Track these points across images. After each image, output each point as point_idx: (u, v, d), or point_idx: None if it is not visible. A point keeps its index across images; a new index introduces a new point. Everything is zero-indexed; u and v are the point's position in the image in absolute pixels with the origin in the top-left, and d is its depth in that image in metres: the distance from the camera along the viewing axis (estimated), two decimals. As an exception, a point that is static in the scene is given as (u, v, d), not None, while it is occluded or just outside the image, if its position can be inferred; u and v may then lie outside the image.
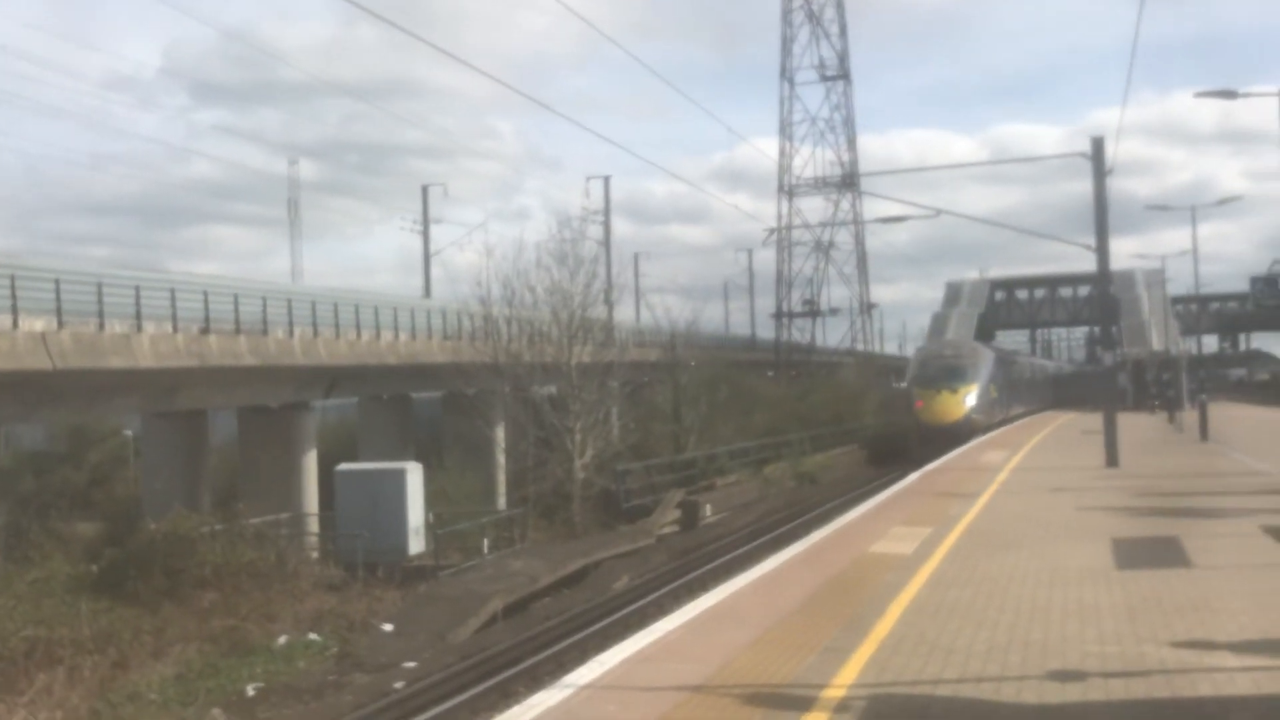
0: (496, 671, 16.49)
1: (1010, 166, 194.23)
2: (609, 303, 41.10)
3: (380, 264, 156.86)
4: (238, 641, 18.90)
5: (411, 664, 17.67)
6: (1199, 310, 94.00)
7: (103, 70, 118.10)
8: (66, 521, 32.68)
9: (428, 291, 52.27)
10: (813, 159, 77.27)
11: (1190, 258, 50.51)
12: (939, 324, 79.26)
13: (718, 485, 36.90)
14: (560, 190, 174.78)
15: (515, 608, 21.80)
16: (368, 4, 13.78)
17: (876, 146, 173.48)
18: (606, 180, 60.85)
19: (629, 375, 39.41)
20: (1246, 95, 26.74)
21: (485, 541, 27.02)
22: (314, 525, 29.17)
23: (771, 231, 77.31)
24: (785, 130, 77.30)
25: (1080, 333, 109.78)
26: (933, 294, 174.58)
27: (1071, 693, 7.93)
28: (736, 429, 44.69)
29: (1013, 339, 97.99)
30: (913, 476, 27.97)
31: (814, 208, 78.35)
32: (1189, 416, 43.75)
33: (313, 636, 19.50)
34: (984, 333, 79.84)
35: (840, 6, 76.24)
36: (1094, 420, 34.11)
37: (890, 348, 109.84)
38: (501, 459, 36.42)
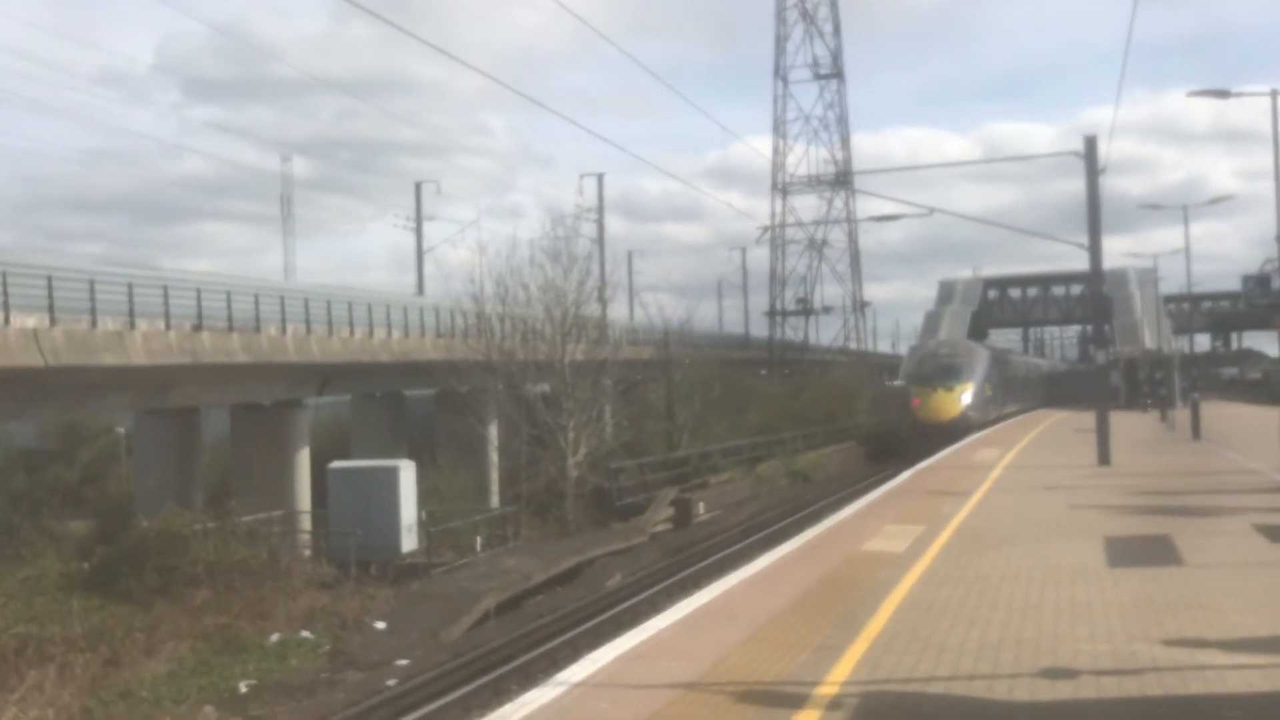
0: (489, 669, 16.48)
1: (1003, 165, 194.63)
2: (602, 300, 41.09)
3: (373, 261, 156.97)
4: (230, 639, 18.87)
5: (404, 662, 17.65)
6: (1191, 309, 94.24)
7: (95, 66, 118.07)
8: (58, 519, 32.68)
9: (421, 289, 52.25)
10: (806, 157, 77.45)
11: (1183, 257, 50.80)
12: (932, 322, 79.39)
13: (711, 483, 36.90)
14: (553, 187, 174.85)
15: (508, 605, 21.79)
16: (361, 0, 13.75)
17: (870, 145, 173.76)
18: (600, 178, 60.99)
19: (622, 373, 39.41)
20: (1239, 95, 26.85)
21: (478, 539, 27.01)
22: (307, 523, 29.12)
23: (765, 229, 77.44)
24: (779, 128, 77.47)
25: (1073, 331, 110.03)
26: (926, 292, 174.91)
27: (1063, 691, 7.95)
28: (730, 427, 44.72)
29: (1006, 337, 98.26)
30: (905, 475, 28.02)
31: (807, 206, 78.45)
32: (1181, 415, 43.84)
33: (305, 634, 19.47)
34: (977, 331, 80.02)
35: (834, 5, 76.44)
36: (1086, 419, 34.16)
37: (883, 346, 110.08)
38: (494, 457, 36.42)
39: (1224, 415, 47.96)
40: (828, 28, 76.60)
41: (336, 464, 27.66)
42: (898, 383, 65.06)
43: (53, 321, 23.32)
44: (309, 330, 32.07)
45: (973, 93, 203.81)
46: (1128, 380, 65.45)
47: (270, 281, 35.96)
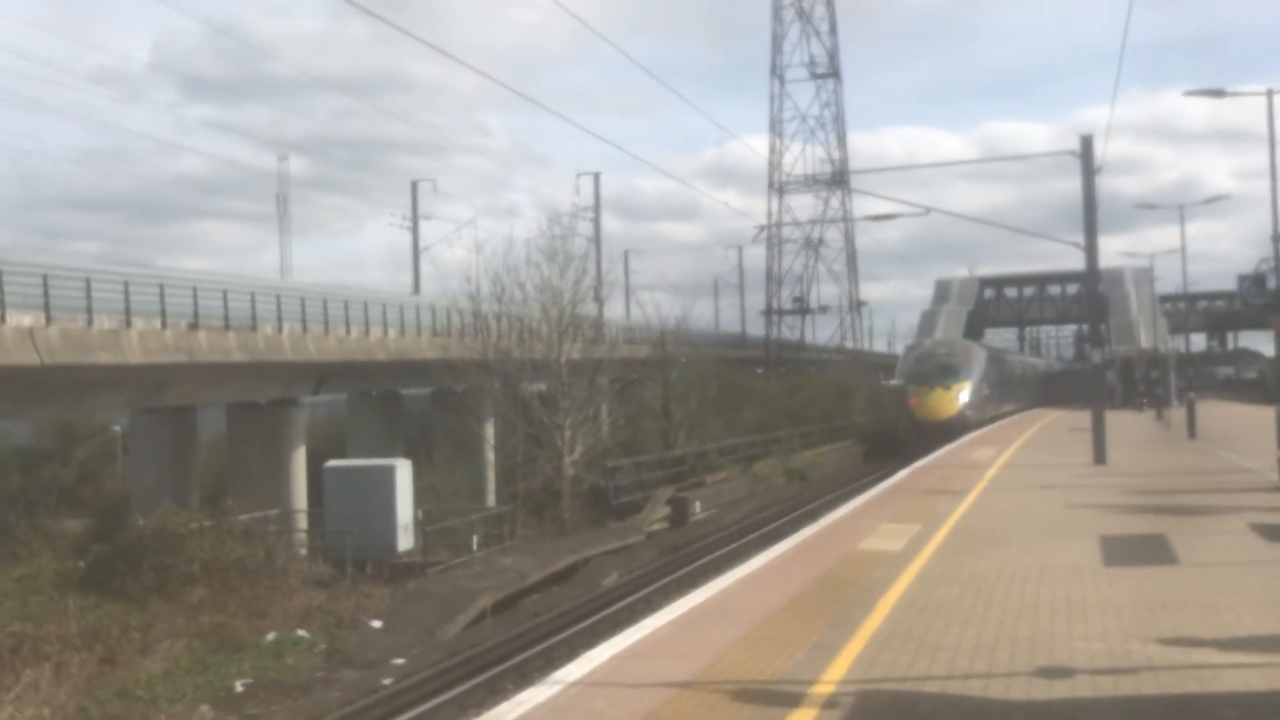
0: (485, 668, 16.48)
1: (1000, 164, 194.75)
2: (599, 300, 41.06)
3: (369, 260, 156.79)
4: (226, 638, 18.86)
5: (400, 661, 17.65)
6: (1187, 308, 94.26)
7: (91, 65, 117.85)
8: (54, 518, 32.67)
9: (417, 288, 52.21)
10: (803, 156, 77.48)
11: (1179, 256, 50.93)
12: (928, 322, 79.43)
13: (707, 482, 36.92)
14: (550, 187, 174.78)
15: (504, 604, 21.79)
16: (357, -1, 13.73)
17: (866, 144, 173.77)
18: (596, 177, 60.98)
19: (619, 372, 39.41)
20: (1235, 94, 26.85)
21: (474, 538, 27.01)
22: (303, 522, 29.11)
23: (761, 229, 77.44)
24: (775, 127, 77.46)
25: (1069, 330, 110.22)
26: (922, 291, 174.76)
27: (1059, 689, 7.95)
28: (726, 426, 44.75)
29: (1001, 337, 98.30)
30: (902, 473, 28.04)
31: (804, 205, 78.48)
32: (1177, 414, 43.91)
33: (301, 633, 19.45)
34: (973, 330, 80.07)
35: (830, 4, 76.46)
36: (1082, 418, 34.21)
37: (880, 345, 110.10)
38: (491, 456, 36.41)
39: (1220, 415, 48.03)
40: (824, 27, 76.72)
41: (332, 463, 27.64)
42: (893, 382, 65.25)
43: (49, 320, 23.29)
44: (305, 329, 32.05)
45: (969, 92, 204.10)
46: (1124, 379, 65.56)
47: (266, 280, 35.93)
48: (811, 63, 76.60)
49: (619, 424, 37.96)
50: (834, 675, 8.50)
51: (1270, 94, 25.64)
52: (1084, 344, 75.71)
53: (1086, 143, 28.92)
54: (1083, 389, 49.23)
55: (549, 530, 31.04)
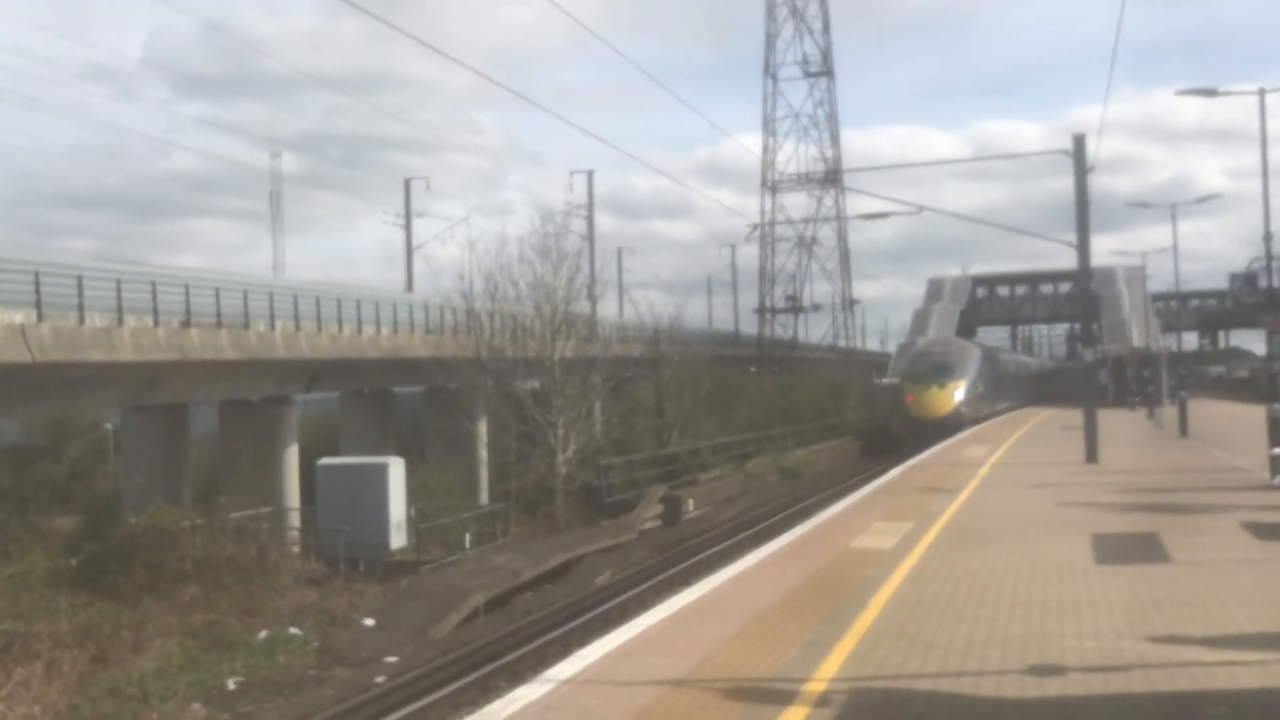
0: (477, 666, 16.48)
1: (992, 163, 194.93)
2: (592, 297, 41.00)
3: (362, 258, 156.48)
4: (218, 636, 18.83)
5: (393, 659, 17.64)
6: (1179, 307, 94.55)
7: (82, 61, 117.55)
8: (46, 515, 32.56)
9: (410, 285, 52.17)
10: (796, 155, 77.49)
11: (1171, 255, 51.09)
12: (921, 320, 79.55)
13: (700, 480, 36.93)
14: (543, 184, 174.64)
15: (497, 602, 21.79)
16: (350, -4, 13.71)
17: (859, 143, 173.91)
18: (590, 175, 60.90)
19: (612, 370, 39.40)
20: (1226, 93, 26.92)
21: (467, 536, 26.97)
22: (295, 520, 29.08)
23: (755, 227, 77.41)
24: (769, 126, 77.45)
25: (1061, 329, 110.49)
26: (915, 290, 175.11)
27: (1050, 687, 7.97)
28: (719, 424, 44.75)
29: (994, 335, 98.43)
30: (894, 471, 28.08)
31: (797, 203, 78.50)
32: (1168, 413, 44.02)
33: (294, 631, 19.43)
34: (965, 329, 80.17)
35: (823, 3, 76.37)
36: (1074, 416, 34.27)
37: (872, 344, 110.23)
38: (484, 454, 36.34)
39: (1211, 413, 48.15)
40: (817, 25, 76.69)
41: (325, 461, 27.61)
42: (886, 380, 65.45)
43: (40, 317, 23.23)
44: (298, 327, 32.00)
45: (962, 91, 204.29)
46: (1115, 378, 65.70)
47: (259, 278, 35.87)
48: (805, 61, 76.64)
49: (612, 422, 37.94)
50: (826, 673, 8.51)
51: (1262, 93, 25.73)
52: (1076, 343, 75.97)
53: (1079, 142, 28.97)
54: (1075, 387, 49.44)
55: (542, 528, 31.01)
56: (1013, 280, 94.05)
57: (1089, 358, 32.76)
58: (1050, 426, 45.18)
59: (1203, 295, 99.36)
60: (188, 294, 27.79)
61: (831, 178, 75.45)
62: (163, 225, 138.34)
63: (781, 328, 79.62)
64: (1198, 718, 7.26)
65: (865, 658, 8.95)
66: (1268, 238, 24.33)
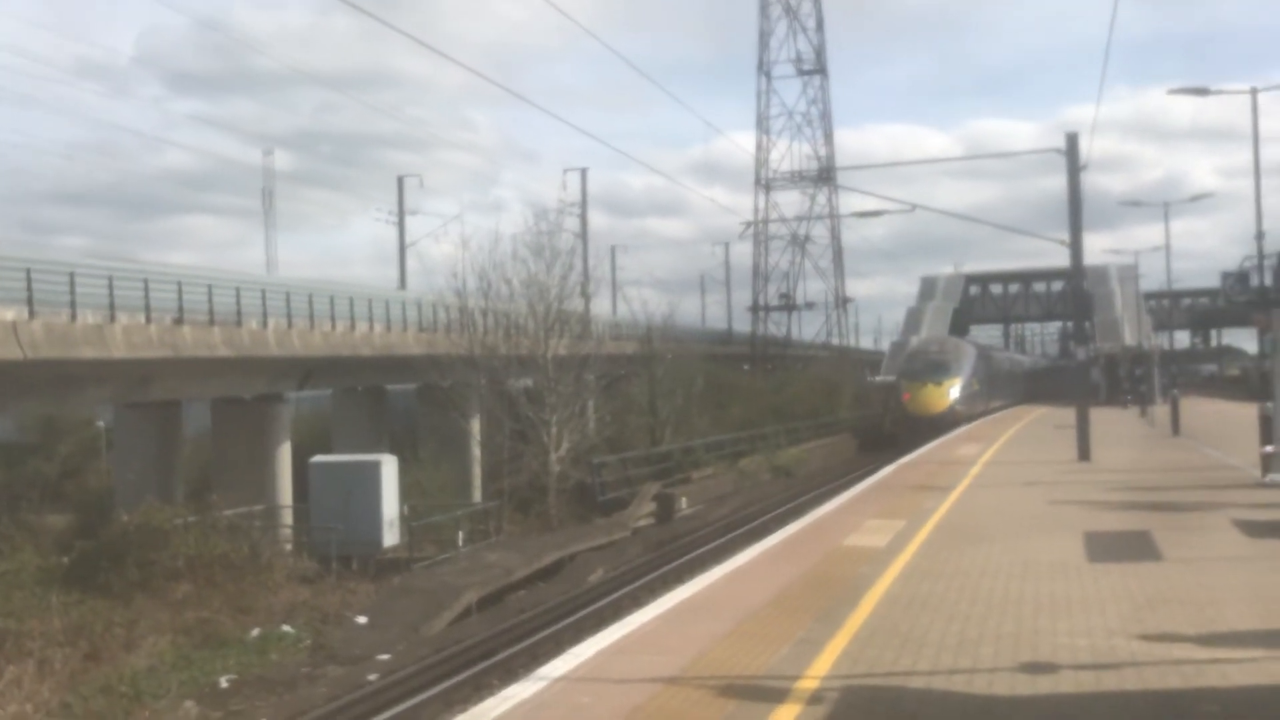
0: (470, 664, 16.47)
1: (985, 162, 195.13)
2: (585, 295, 40.99)
3: (355, 255, 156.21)
4: (211, 634, 18.80)
5: (385, 656, 17.63)
6: (1171, 306, 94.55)
7: (75, 58, 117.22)
8: (37, 513, 32.45)
9: (403, 283, 52.08)
10: (789, 153, 77.47)
11: (1163, 253, 51.06)
12: (914, 318, 79.63)
13: (693, 478, 36.96)
14: (537, 182, 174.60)
15: (490, 600, 21.78)
16: (343, -7, 13.69)
17: (853, 141, 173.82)
18: (583, 172, 60.86)
19: (605, 368, 39.38)
20: (1219, 92, 27.02)
21: (460, 534, 26.96)
22: (288, 517, 29.01)
23: (748, 225, 77.44)
24: (762, 124, 77.45)
25: (1054, 328, 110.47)
26: (908, 288, 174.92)
27: (1042, 685, 7.99)
28: (712, 422, 44.79)
29: (987, 333, 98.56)
30: (887, 469, 28.12)
31: (790, 202, 78.51)
32: (1161, 411, 44.11)
33: (286, 629, 19.40)
34: (958, 327, 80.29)
35: (817, 1, 76.42)
36: (1067, 415, 34.33)
37: (866, 342, 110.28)
38: (477, 451, 36.34)
39: (1203, 411, 48.27)
40: (811, 23, 76.70)
41: (318, 458, 27.57)
42: (880, 378, 65.62)
43: (32, 314, 23.15)
44: (290, 324, 31.95)
45: (955, 90, 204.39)
46: (1108, 376, 65.87)
47: (252, 275, 35.80)
48: (798, 59, 76.64)
49: (605, 420, 37.96)
50: (819, 670, 8.52)
51: (1254, 92, 25.82)
52: (1069, 341, 75.96)
53: (1072, 140, 29.02)
54: (1067, 386, 49.60)
55: (535, 526, 31.01)
56: (1006, 279, 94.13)
57: (1081, 356, 32.86)
58: (1043, 425, 45.27)
59: (1195, 294, 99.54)
60: (180, 291, 27.73)
61: (825, 176, 75.48)
62: (155, 222, 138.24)
63: (775, 326, 79.73)
64: (1189, 715, 7.28)
65: (857, 656, 8.96)
66: (1260, 236, 24.42)
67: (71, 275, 24.37)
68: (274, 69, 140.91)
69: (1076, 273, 31.16)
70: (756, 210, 77.45)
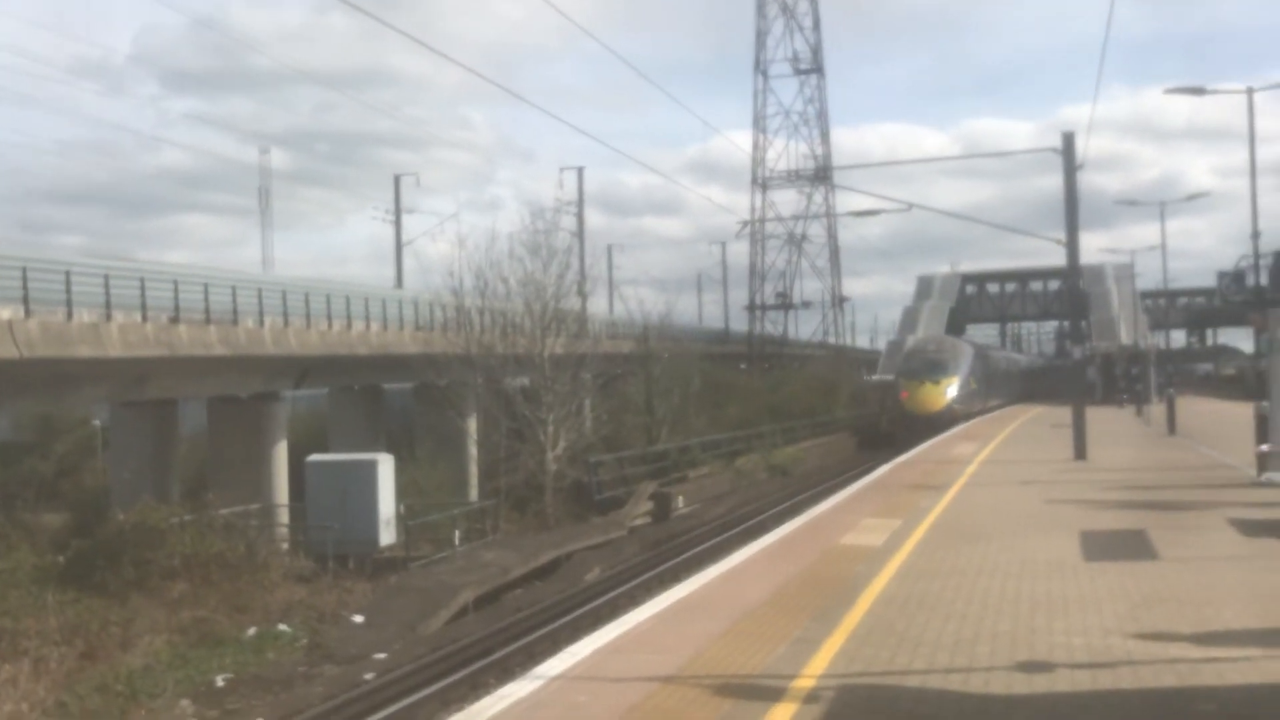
0: (467, 663, 16.47)
1: (982, 161, 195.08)
2: (582, 294, 40.99)
3: (352, 254, 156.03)
4: (207, 633, 18.79)
5: (382, 655, 17.63)
6: (1167, 305, 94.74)
7: (71, 56, 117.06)
8: (33, 512, 32.45)
9: (400, 282, 52.05)
10: (786, 152, 77.58)
11: (1159, 253, 51.29)
12: (910, 318, 79.69)
13: (690, 477, 36.96)
14: (533, 181, 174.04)
15: (486, 599, 21.77)
16: (340, -8, 13.67)
17: (849, 140, 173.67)
18: (580, 171, 60.84)
19: (602, 367, 39.37)
20: (1215, 92, 27.10)
21: (457, 533, 26.94)
22: (284, 516, 29.01)
23: (745, 224, 77.51)
24: (759, 123, 77.52)
25: (1050, 327, 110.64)
26: (904, 287, 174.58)
27: (1038, 684, 7.99)
28: (709, 421, 44.79)
29: (983, 332, 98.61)
30: (883, 468, 28.12)
31: (787, 201, 78.58)
32: (1156, 410, 44.14)
33: (282, 628, 19.40)
34: (955, 326, 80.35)
35: (813, 0, 76.45)
36: (1063, 414, 34.38)
37: (862, 341, 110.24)
38: (473, 450, 36.32)
39: (1199, 411, 48.30)
40: (807, 22, 76.79)
41: (314, 457, 27.57)
42: (876, 377, 65.73)
43: (28, 313, 23.12)
44: (287, 323, 31.93)
45: (952, 89, 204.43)
46: (1104, 375, 65.91)
47: (248, 274, 35.78)
48: (795, 58, 76.72)
49: (602, 419, 37.93)
50: (815, 669, 8.52)
51: (1250, 92, 25.87)
52: (1065, 340, 76.12)
53: (1068, 140, 29.03)
54: (1063, 385, 49.75)
55: (531, 525, 31.01)
56: (1002, 278, 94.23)
57: (1077, 355, 32.85)
58: (1039, 423, 45.30)
59: (1191, 293, 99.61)
60: (176, 290, 27.71)
61: (821, 175, 75.54)
62: (152, 221, 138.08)
63: (771, 325, 79.80)
64: (1185, 714, 7.28)
65: (854, 654, 8.96)
66: (1256, 236, 24.48)
67: (67, 274, 24.34)
68: (271, 68, 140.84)
69: (1073, 272, 31.18)
70: (753, 209, 77.58)
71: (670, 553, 26.13)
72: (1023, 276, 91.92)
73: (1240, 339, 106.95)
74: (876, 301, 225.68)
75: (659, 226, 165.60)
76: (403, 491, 27.70)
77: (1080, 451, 27.63)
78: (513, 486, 32.37)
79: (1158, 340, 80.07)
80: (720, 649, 9.36)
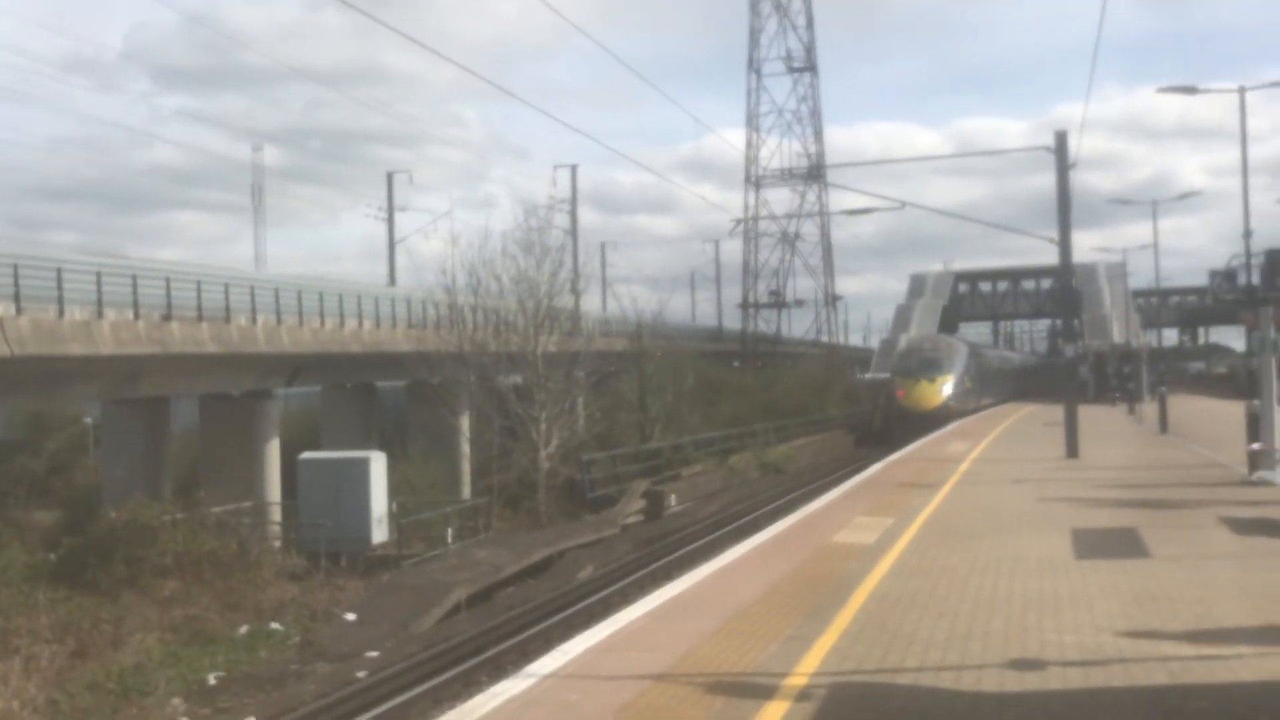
0: (459, 661, 16.45)
1: (975, 160, 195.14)
2: (575, 292, 40.91)
3: (345, 251, 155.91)
4: (199, 631, 18.75)
5: (374, 653, 17.61)
6: (1159, 304, 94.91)
7: (63, 53, 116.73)
8: (24, 509, 32.39)
9: (392, 279, 51.99)
10: (779, 150, 77.54)
11: (1151, 252, 51.40)
12: (903, 316, 79.75)
13: (683, 475, 36.97)
14: (527, 179, 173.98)
15: (479, 597, 21.76)
16: (333, -11, 13.65)
17: (842, 138, 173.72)
18: (573, 169, 60.66)
19: (595, 365, 39.38)
20: (1206, 91, 27.07)
21: (449, 531, 26.93)
22: (276, 514, 28.96)
23: (738, 222, 77.46)
24: (752, 121, 77.51)
25: (1042, 325, 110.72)
26: (897, 286, 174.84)
27: (1030, 682, 8.01)
28: (702, 419, 44.80)
29: (975, 331, 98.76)
30: (876, 467, 28.17)
31: (780, 199, 78.59)
32: (1149, 409, 44.24)
33: (275, 626, 19.38)
34: (947, 325, 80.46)
35: (807, -2, 76.40)
36: (1056, 412, 34.43)
37: (855, 339, 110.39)
38: (466, 448, 36.28)
39: (1191, 409, 48.44)
40: (801, 21, 76.77)
41: (307, 455, 27.53)
42: (869, 375, 65.80)
43: (19, 310, 23.05)
44: (279, 320, 31.88)
45: (946, 88, 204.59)
46: (1096, 374, 66.03)
47: (240, 271, 35.72)
48: (788, 57, 76.73)
49: (595, 417, 37.90)
50: (807, 667, 8.53)
51: (1242, 91, 25.85)
52: (1057, 338, 76.15)
53: (1061, 139, 29.10)
54: (1056, 383, 49.79)
55: (524, 523, 30.99)
56: (995, 276, 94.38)
57: (1070, 353, 32.92)
58: (1031, 422, 45.38)
59: (1183, 292, 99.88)
60: (168, 287, 27.65)
61: (815, 173, 75.57)
62: (144, 218, 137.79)
63: (765, 323, 79.80)
64: (1177, 712, 7.30)
65: (846, 652, 8.97)
66: (1247, 234, 24.47)
67: (59, 271, 24.28)
68: (263, 64, 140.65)
69: (1065, 270, 31.23)
70: (746, 207, 77.58)
71: (663, 551, 26.13)
72: (1015, 275, 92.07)
73: (1232, 337, 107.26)
74: (869, 300, 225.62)
75: (652, 224, 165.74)
76: (395, 489, 27.68)
77: (1072, 450, 27.68)
78: (505, 484, 32.33)
79: (1150, 339, 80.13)
80: (713, 647, 9.37)
